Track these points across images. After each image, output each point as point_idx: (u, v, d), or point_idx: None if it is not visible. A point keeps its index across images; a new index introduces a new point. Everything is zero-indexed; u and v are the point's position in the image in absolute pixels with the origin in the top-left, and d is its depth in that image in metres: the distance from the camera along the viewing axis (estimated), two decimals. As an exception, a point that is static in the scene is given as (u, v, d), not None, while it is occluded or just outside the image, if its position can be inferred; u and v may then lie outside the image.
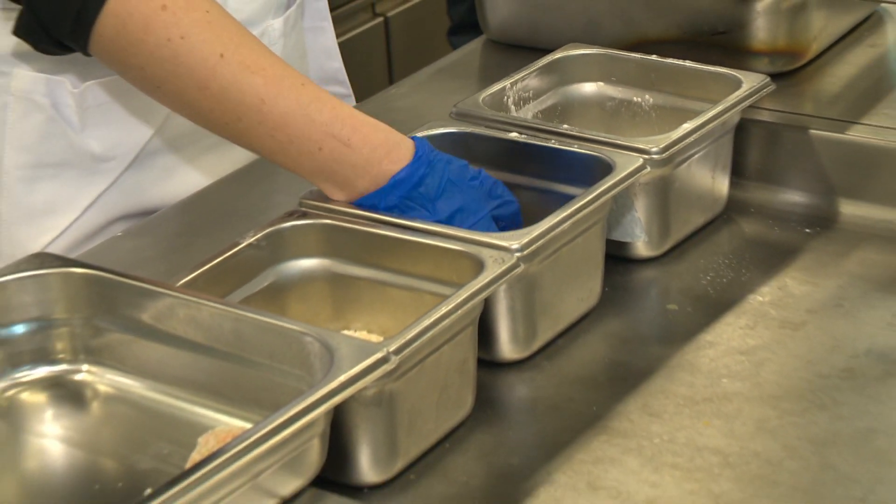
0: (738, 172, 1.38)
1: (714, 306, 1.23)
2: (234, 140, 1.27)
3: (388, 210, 1.20)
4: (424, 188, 1.20)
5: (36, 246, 1.37)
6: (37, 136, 1.42)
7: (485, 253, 1.09)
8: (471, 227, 1.18)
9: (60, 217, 1.44)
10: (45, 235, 1.42)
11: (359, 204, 1.20)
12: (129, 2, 1.22)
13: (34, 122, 1.42)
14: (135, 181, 1.46)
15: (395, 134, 1.23)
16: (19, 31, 1.26)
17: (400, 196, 1.20)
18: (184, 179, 1.47)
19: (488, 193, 1.22)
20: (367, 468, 0.99)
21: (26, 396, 1.07)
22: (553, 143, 1.26)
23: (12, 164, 1.42)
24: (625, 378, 1.13)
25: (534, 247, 1.09)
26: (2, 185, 1.44)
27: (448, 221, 1.19)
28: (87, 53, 1.26)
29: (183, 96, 1.25)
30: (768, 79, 1.35)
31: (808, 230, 1.34)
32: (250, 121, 1.22)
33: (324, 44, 1.67)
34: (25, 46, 1.31)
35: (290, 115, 1.21)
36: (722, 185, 1.36)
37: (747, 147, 1.40)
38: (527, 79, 1.38)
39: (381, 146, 1.21)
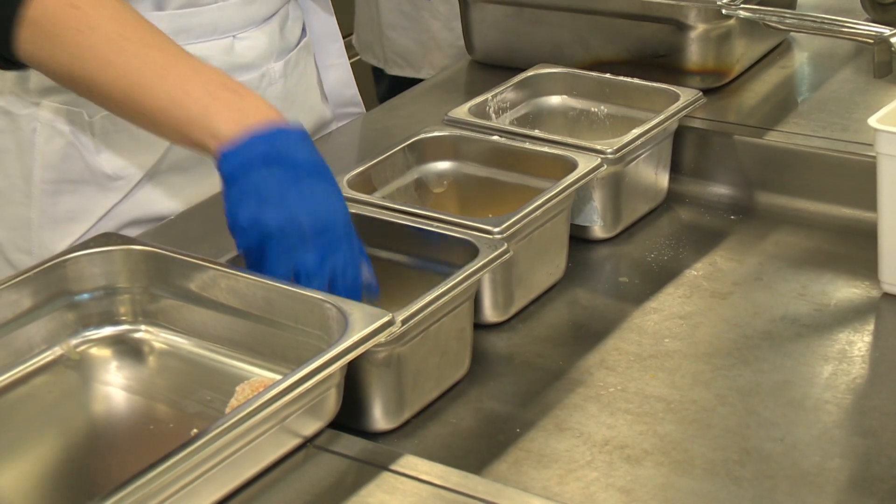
0: (675, 169, 1.38)
1: (657, 279, 1.23)
2: (135, 113, 1.17)
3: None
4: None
5: (60, 247, 1.33)
6: (59, 156, 1.40)
7: (479, 239, 1.07)
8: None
9: (80, 224, 1.41)
10: (68, 239, 1.39)
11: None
12: (42, 9, 1.16)
13: (57, 145, 1.39)
14: (144, 196, 1.43)
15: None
16: None
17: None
18: (189, 194, 1.43)
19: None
20: (379, 418, 0.99)
21: (95, 351, 1.06)
22: (527, 145, 1.26)
23: (39, 179, 1.40)
24: (585, 338, 1.13)
25: (512, 230, 1.08)
26: (32, 196, 1.41)
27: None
28: (18, 63, 1.19)
29: (91, 81, 1.17)
30: (701, 94, 1.35)
31: (732, 217, 1.34)
32: (148, 94, 1.13)
33: (340, 77, 1.61)
34: (49, 82, 1.29)
35: (184, 76, 1.12)
36: (663, 179, 1.36)
37: (683, 149, 1.39)
38: (504, 92, 1.38)
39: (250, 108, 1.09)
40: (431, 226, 1.10)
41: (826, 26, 1.48)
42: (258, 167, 1.03)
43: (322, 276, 1.01)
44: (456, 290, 1.00)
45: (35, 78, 1.34)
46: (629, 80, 1.40)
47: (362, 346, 0.89)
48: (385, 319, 0.91)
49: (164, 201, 1.44)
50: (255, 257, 1.03)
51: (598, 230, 1.29)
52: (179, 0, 1.38)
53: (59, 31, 1.15)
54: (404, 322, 0.93)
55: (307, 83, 1.54)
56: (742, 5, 1.47)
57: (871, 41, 1.39)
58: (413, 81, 2.05)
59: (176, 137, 1.14)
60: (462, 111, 1.32)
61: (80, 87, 1.19)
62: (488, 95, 1.36)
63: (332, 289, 1.01)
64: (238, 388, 0.97)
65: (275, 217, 1.01)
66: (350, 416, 0.97)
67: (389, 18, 2.43)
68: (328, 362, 0.87)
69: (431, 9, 2.43)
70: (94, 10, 1.15)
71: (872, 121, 1.12)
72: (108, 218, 1.42)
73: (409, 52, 2.42)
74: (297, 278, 1.01)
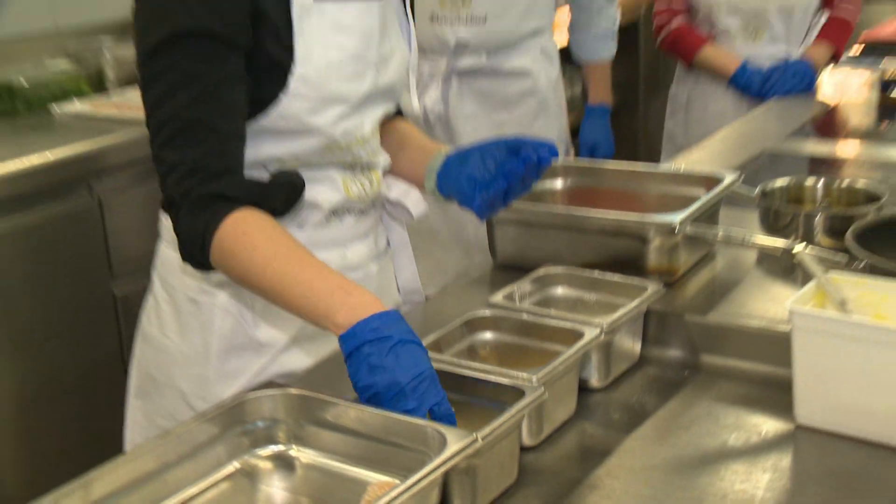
0: (644, 339, 1.40)
1: (638, 416, 1.26)
2: (282, 304, 1.22)
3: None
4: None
5: (227, 395, 1.31)
6: (229, 330, 1.42)
7: (524, 386, 1.10)
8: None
9: (241, 378, 1.42)
10: (232, 389, 1.38)
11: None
12: (225, 234, 1.22)
13: (227, 322, 1.41)
14: (286, 356, 1.44)
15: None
16: (183, 259, 1.28)
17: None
18: (316, 354, 1.43)
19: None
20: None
21: (261, 463, 1.11)
22: (545, 321, 1.30)
23: (215, 347, 1.42)
24: (593, 457, 1.16)
25: (546, 379, 1.13)
26: (209, 359, 1.42)
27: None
28: (209, 266, 1.25)
29: (252, 286, 1.23)
30: (662, 286, 1.39)
31: (685, 372, 1.37)
32: (291, 295, 1.18)
33: (409, 275, 1.58)
34: (224, 278, 1.32)
35: (315, 281, 1.17)
36: (637, 346, 1.39)
37: (649, 324, 1.41)
38: (524, 285, 1.41)
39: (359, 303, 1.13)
40: (488, 376, 1.15)
41: (746, 241, 1.52)
42: (366, 345, 1.07)
43: (421, 413, 1.05)
44: (513, 420, 1.05)
45: (215, 275, 1.34)
46: (610, 275, 1.42)
47: (459, 456, 0.96)
48: (472, 438, 0.98)
49: (299, 360, 1.43)
50: (373, 404, 1.07)
51: (595, 381, 1.31)
52: (313, 221, 1.40)
53: (234, 250, 1.22)
54: (483, 439, 0.99)
55: (389, 279, 1.54)
56: (685, 225, 1.48)
57: (779, 252, 1.44)
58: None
59: (310, 321, 1.19)
60: (498, 297, 1.35)
61: (246, 285, 1.26)
62: (514, 287, 1.39)
63: (429, 418, 1.05)
64: (369, 488, 1.02)
65: (381, 380, 1.06)
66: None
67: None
68: (438, 466, 0.95)
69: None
70: (257, 235, 1.22)
71: (789, 303, 1.17)
72: (261, 374, 1.42)
73: None
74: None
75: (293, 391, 1.14)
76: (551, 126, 2.59)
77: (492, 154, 1.35)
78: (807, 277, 1.28)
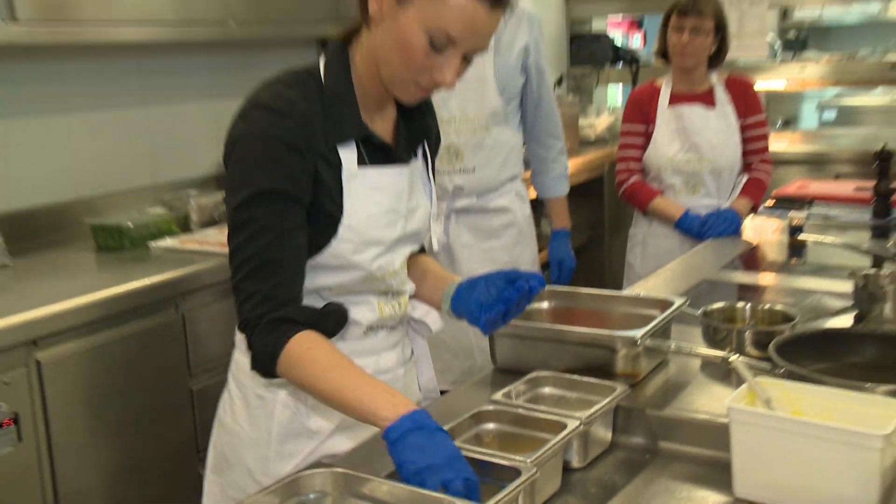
0: (614, 428, 1.38)
1: (612, 490, 1.25)
2: (335, 403, 1.22)
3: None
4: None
5: (284, 472, 1.32)
6: (287, 420, 1.41)
7: (521, 466, 1.09)
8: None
9: (296, 459, 1.41)
10: (288, 467, 1.37)
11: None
12: (291, 350, 1.22)
13: (286, 414, 1.41)
14: (331, 441, 1.42)
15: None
16: (253, 368, 1.28)
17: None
18: (356, 438, 1.41)
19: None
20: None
21: None
22: (536, 415, 1.29)
23: (275, 433, 1.41)
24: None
25: (537, 461, 1.12)
26: (271, 443, 1.40)
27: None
28: (276, 375, 1.25)
29: (312, 389, 1.24)
30: (628, 387, 1.39)
31: (647, 455, 1.36)
32: (345, 396, 1.19)
33: (429, 379, 1.57)
34: (283, 380, 1.30)
35: (358, 385, 1.18)
36: (608, 434, 1.38)
37: (617, 417, 1.39)
38: (518, 386, 1.40)
39: (399, 402, 1.14)
40: (492, 458, 1.15)
41: (692, 351, 1.56)
42: (406, 436, 1.09)
43: (459, 482, 1.03)
44: (513, 494, 1.06)
45: (277, 380, 1.33)
46: (586, 378, 1.40)
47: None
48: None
49: (342, 444, 1.42)
50: (414, 478, 1.06)
51: (576, 463, 1.30)
52: (354, 335, 1.41)
53: (299, 362, 1.23)
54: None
55: (412, 380, 1.54)
56: (644, 339, 1.47)
57: (718, 360, 1.47)
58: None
59: (356, 417, 1.19)
60: (498, 395, 1.35)
61: (307, 389, 1.26)
62: (511, 387, 1.38)
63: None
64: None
65: (422, 459, 1.06)
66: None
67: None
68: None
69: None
70: (317, 351, 1.24)
71: (727, 401, 1.18)
72: (311, 455, 1.40)
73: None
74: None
75: (338, 470, 1.13)
76: (527, 250, 2.69)
77: (494, 283, 1.35)
78: (740, 381, 1.28)
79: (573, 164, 3.79)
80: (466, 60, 1.23)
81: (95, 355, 2.11)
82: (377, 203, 1.33)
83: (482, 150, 2.52)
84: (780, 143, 4.47)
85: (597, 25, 5.15)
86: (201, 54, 3.09)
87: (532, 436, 1.27)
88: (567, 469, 1.30)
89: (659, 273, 2.34)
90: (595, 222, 4.56)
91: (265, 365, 1.26)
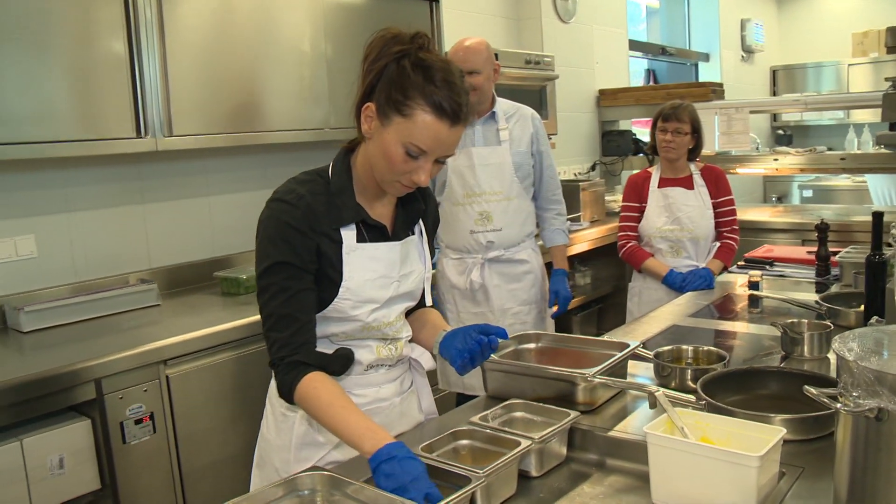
0: (569, 446, 1.34)
1: (555, 495, 1.21)
2: (332, 431, 1.19)
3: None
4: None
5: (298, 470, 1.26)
6: (302, 433, 1.38)
7: (473, 476, 1.07)
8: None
9: (309, 463, 1.36)
10: (302, 468, 1.29)
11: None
12: (303, 386, 1.21)
13: (301, 427, 1.38)
14: (335, 452, 1.38)
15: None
16: (279, 395, 1.26)
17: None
18: (350, 453, 1.35)
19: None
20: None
21: None
22: (502, 434, 1.26)
23: (295, 442, 1.37)
24: None
25: (491, 472, 1.10)
26: (291, 451, 1.37)
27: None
28: (294, 402, 1.25)
29: (316, 419, 1.22)
30: (579, 413, 1.35)
31: (594, 468, 1.32)
32: (339, 429, 1.17)
33: (429, 404, 1.52)
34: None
35: (351, 422, 1.16)
36: (563, 449, 1.34)
37: (573, 437, 1.36)
38: (496, 410, 1.37)
39: (379, 438, 1.11)
40: (458, 470, 1.12)
41: (634, 387, 1.49)
42: (381, 465, 1.07)
43: (420, 499, 1.02)
44: (463, 497, 1.05)
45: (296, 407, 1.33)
46: (550, 407, 1.37)
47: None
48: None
49: (343, 454, 1.39)
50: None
51: (533, 472, 1.28)
52: (357, 372, 1.38)
53: (307, 397, 1.23)
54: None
55: (412, 406, 1.50)
56: (599, 376, 1.43)
57: (648, 393, 1.35)
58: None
59: (348, 444, 1.18)
60: (475, 418, 1.32)
61: (312, 417, 1.25)
62: (489, 411, 1.36)
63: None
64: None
65: (391, 483, 1.05)
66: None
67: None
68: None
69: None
70: (322, 389, 1.22)
71: (645, 428, 1.15)
72: (320, 461, 1.39)
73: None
74: None
75: (325, 473, 1.12)
76: (539, 290, 2.77)
77: (469, 334, 1.34)
78: (663, 411, 1.23)
79: (598, 230, 3.87)
80: (440, 163, 1.24)
81: (212, 371, 2.19)
82: (373, 270, 1.33)
83: (507, 214, 2.63)
84: (763, 214, 4.40)
85: (623, 125, 5.17)
86: (307, 151, 3.20)
87: (497, 451, 1.24)
88: (527, 477, 1.27)
89: (643, 318, 2.30)
90: (618, 276, 4.47)
91: (285, 396, 1.27)
